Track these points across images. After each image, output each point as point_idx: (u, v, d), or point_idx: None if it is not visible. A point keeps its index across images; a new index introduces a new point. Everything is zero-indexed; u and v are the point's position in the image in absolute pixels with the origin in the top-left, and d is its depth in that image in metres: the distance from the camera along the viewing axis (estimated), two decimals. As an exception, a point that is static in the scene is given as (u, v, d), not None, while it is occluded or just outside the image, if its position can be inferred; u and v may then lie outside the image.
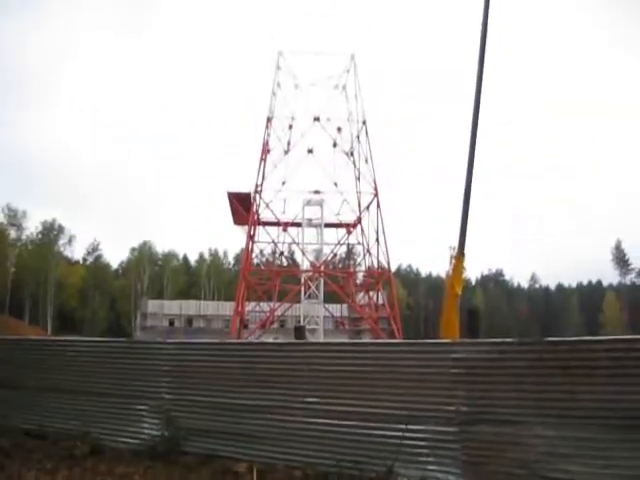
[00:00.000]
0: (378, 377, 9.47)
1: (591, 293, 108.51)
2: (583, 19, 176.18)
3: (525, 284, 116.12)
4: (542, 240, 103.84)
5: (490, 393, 8.63)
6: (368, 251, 54.29)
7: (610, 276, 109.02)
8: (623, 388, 7.67)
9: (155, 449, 10.54)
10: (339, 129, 55.20)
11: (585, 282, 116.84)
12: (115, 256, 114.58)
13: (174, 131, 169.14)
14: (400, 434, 8.91)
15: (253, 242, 54.71)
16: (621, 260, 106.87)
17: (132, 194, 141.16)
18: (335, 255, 64.25)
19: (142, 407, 11.57)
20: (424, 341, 11.04)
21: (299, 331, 41.02)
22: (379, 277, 54.47)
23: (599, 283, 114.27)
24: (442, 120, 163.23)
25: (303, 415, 9.91)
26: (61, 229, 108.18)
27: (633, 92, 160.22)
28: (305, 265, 55.38)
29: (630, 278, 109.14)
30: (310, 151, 54.42)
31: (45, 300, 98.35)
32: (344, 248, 64.60)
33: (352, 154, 54.97)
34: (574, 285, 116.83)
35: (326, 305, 55.40)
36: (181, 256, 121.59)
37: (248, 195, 53.54)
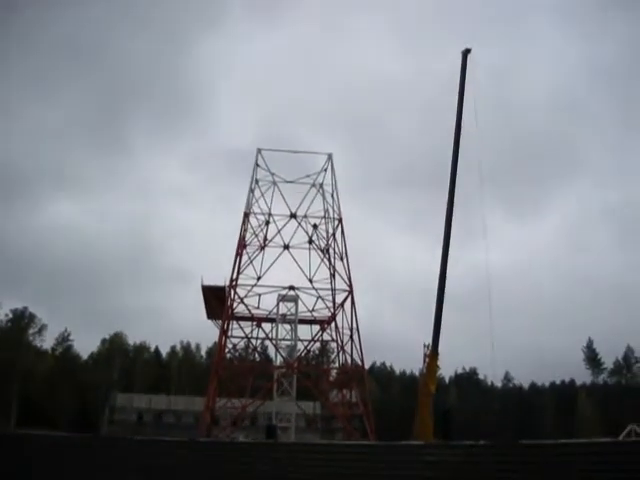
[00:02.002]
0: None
1: (564, 393, 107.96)
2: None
3: (499, 383, 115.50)
4: (515, 339, 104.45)
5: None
6: (342, 348, 53.97)
7: (583, 375, 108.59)
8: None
9: None
10: (315, 226, 56.02)
11: (558, 381, 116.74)
12: (86, 346, 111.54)
13: (147, 220, 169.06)
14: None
15: (226, 337, 54.19)
16: (593, 360, 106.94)
17: (105, 284, 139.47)
18: (309, 351, 63.79)
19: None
20: (397, 443, 10.99)
21: (270, 430, 40.24)
22: (353, 374, 53.94)
23: (572, 382, 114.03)
24: (418, 216, 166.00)
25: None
26: (32, 317, 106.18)
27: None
28: (278, 361, 54.81)
29: (602, 377, 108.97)
30: (286, 247, 55.03)
31: (10, 390, 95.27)
32: (318, 344, 64.13)
33: (327, 251, 55.54)
34: (547, 384, 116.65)
35: (299, 402, 54.45)
36: (153, 348, 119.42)
37: (223, 289, 53.44)
